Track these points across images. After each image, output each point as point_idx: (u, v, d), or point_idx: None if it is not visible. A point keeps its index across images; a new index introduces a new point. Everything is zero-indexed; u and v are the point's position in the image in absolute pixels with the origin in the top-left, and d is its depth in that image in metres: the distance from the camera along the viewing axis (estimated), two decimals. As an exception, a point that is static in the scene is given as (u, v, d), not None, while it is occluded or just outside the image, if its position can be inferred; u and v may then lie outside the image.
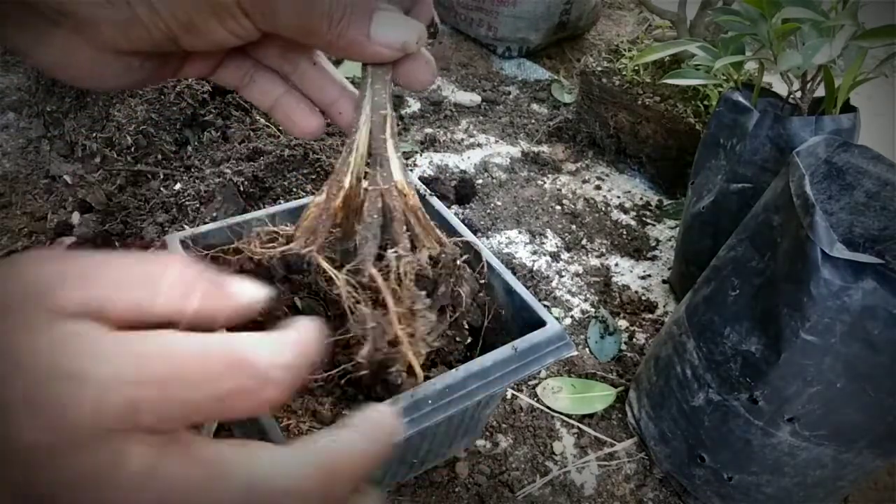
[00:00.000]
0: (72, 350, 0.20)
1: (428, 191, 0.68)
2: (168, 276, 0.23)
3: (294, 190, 0.99)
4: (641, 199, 1.22)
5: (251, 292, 0.25)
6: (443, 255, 0.46)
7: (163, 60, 0.34)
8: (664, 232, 1.15)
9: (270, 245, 0.46)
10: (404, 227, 0.44)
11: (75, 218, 0.96)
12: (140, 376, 0.20)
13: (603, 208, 1.18)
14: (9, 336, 0.20)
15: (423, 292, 0.45)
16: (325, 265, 0.44)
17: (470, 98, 1.43)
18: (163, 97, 1.03)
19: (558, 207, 1.17)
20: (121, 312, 0.22)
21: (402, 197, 0.43)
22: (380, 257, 0.44)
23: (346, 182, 0.42)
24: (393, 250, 0.43)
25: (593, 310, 0.98)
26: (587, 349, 0.92)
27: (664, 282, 1.05)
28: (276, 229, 0.45)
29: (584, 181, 1.24)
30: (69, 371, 0.19)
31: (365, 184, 0.43)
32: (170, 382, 0.20)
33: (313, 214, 0.44)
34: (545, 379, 0.86)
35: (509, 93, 1.49)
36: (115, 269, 0.23)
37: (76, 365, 0.19)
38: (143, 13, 0.29)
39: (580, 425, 0.82)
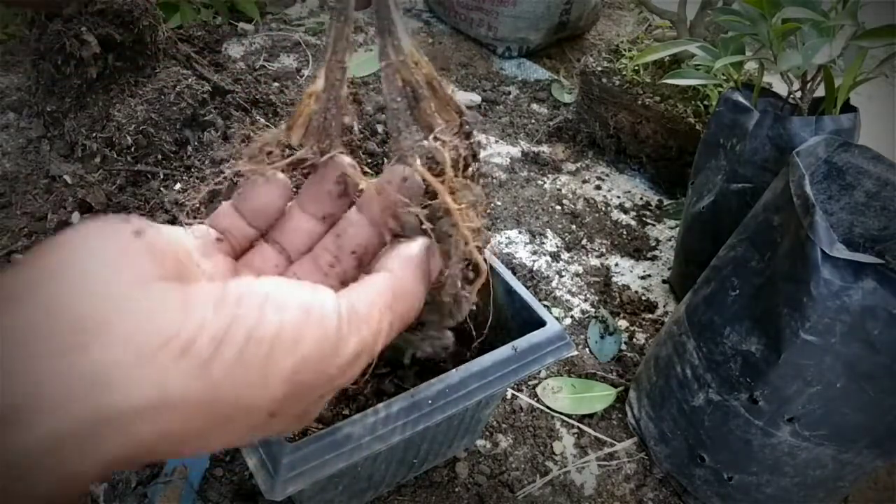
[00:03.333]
0: None
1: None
2: None
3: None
4: (641, 199, 1.22)
5: None
6: (465, 128, 0.39)
7: None
8: (664, 232, 1.15)
9: (273, 159, 0.36)
10: (433, 106, 0.37)
11: (75, 218, 0.96)
12: None
13: (603, 208, 1.18)
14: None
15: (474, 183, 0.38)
16: (353, 172, 0.35)
17: (470, 98, 1.43)
18: (163, 97, 1.03)
19: (558, 207, 1.17)
20: None
21: (417, 68, 0.36)
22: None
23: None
24: (431, 136, 0.36)
25: (593, 310, 0.98)
26: (587, 349, 0.92)
27: (664, 282, 1.05)
28: (269, 140, 0.36)
29: (584, 181, 1.24)
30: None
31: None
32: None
33: (313, 109, 0.36)
34: (545, 379, 0.86)
35: (509, 93, 1.49)
36: None
37: None
38: None
39: (580, 425, 0.82)
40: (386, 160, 1.13)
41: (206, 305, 0.24)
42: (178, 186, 1.00)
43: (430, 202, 0.36)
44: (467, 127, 0.39)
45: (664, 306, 1.00)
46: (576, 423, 0.82)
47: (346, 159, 0.35)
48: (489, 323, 0.62)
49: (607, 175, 1.27)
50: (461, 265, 0.38)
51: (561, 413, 0.82)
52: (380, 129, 1.15)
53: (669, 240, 1.13)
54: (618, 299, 1.00)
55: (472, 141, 0.38)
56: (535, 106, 1.45)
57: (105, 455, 0.21)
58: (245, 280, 0.26)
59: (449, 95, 0.37)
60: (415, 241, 0.34)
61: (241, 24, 1.51)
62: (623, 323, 0.97)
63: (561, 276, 1.03)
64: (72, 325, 0.21)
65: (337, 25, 0.34)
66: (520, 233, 1.10)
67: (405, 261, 0.32)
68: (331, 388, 0.28)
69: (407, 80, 0.36)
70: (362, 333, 0.28)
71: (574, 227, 1.13)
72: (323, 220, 0.36)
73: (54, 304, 0.21)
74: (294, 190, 0.36)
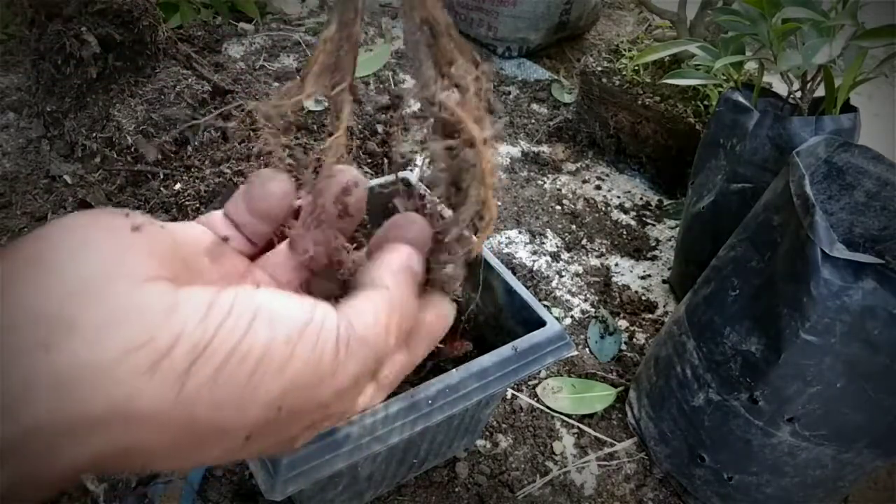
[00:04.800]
0: None
1: (428, 190, 0.68)
2: None
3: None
4: (641, 199, 1.22)
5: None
6: (480, 70, 0.38)
7: None
8: (664, 232, 1.15)
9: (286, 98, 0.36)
10: (452, 42, 0.36)
11: (75, 218, 0.96)
12: None
13: (603, 208, 1.18)
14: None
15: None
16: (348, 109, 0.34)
17: (470, 98, 1.42)
18: (163, 97, 1.03)
19: (558, 207, 1.17)
20: None
21: (433, 9, 0.36)
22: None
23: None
24: (454, 67, 0.36)
25: (593, 310, 0.98)
26: (587, 349, 0.92)
27: (664, 282, 1.05)
28: (282, 96, 0.35)
29: (584, 181, 1.24)
30: None
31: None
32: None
33: (328, 50, 0.35)
34: (545, 379, 0.86)
35: (509, 93, 1.49)
36: None
37: None
38: None
39: (580, 425, 0.82)
40: (386, 160, 1.12)
41: (192, 314, 0.21)
42: (178, 186, 1.00)
43: (450, 140, 0.35)
44: (482, 69, 0.38)
45: (664, 306, 1.00)
46: (576, 423, 0.82)
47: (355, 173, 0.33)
48: (488, 323, 0.62)
49: (607, 175, 1.27)
50: (476, 207, 0.37)
51: (561, 413, 0.82)
52: (380, 129, 1.15)
53: (669, 240, 1.13)
54: (618, 299, 1.00)
55: (484, 85, 0.36)
56: (535, 106, 1.45)
57: (63, 464, 0.19)
58: (242, 289, 0.23)
59: (464, 42, 0.37)
60: (401, 247, 0.32)
61: (241, 24, 1.51)
62: (623, 323, 0.96)
63: (561, 276, 1.03)
64: (41, 322, 0.19)
65: None
66: (520, 233, 1.10)
67: (398, 272, 0.30)
68: (323, 416, 0.26)
69: (424, 18, 0.35)
70: (363, 357, 0.26)
71: (574, 227, 1.13)
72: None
73: (27, 297, 0.20)
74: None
